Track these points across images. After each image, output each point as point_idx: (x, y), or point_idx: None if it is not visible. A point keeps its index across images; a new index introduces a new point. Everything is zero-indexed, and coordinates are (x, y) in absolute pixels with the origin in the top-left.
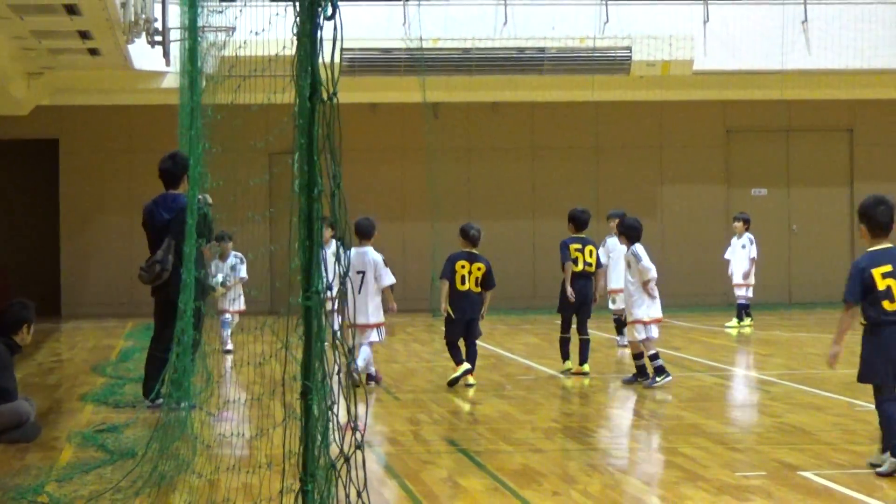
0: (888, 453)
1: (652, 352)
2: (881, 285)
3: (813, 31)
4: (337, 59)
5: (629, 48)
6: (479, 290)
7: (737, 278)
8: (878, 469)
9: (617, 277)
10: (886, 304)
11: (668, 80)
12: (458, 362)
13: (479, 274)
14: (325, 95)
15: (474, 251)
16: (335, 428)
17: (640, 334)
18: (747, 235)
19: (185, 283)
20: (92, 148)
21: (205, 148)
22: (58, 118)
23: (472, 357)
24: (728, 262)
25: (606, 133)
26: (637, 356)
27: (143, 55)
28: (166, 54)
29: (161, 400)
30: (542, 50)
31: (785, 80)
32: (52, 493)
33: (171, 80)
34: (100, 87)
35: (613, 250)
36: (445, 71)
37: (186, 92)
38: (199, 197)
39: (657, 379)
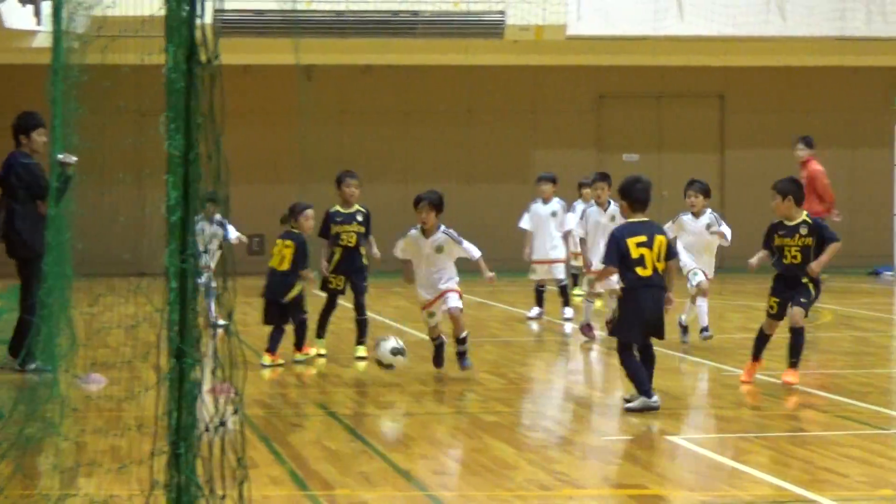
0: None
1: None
2: (635, 253)
3: None
4: (210, 20)
5: (503, 12)
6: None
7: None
8: (628, 405)
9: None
10: (640, 271)
11: (541, 45)
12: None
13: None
14: (203, 58)
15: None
16: (210, 391)
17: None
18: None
19: (50, 246)
20: None
21: (72, 109)
22: None
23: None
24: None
25: (479, 97)
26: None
27: (15, 13)
28: (37, 13)
29: (34, 365)
30: (415, 13)
31: (657, 46)
32: None
33: (43, 40)
34: None
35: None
36: (319, 33)
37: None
38: (60, 156)
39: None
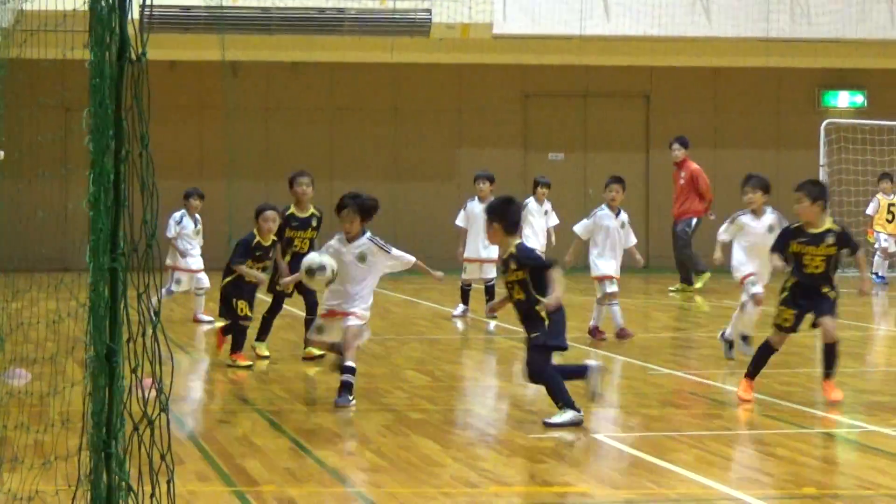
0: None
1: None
2: None
3: None
4: (137, 15)
5: (429, 10)
6: None
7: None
8: (554, 420)
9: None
10: None
11: (467, 44)
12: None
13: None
14: (133, 55)
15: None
16: (137, 390)
17: None
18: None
19: None
20: None
21: None
22: None
23: None
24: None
25: (406, 95)
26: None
27: None
28: None
29: None
30: (341, 10)
31: (583, 45)
32: None
33: None
34: None
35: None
36: (245, 29)
37: None
38: None
39: None
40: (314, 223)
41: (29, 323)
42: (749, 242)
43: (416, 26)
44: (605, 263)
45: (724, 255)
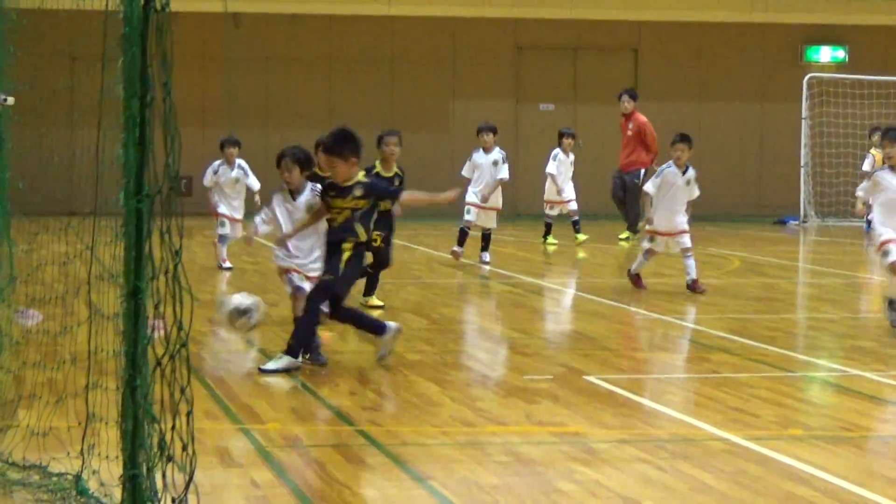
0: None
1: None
2: None
3: None
4: None
5: None
6: None
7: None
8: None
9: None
10: None
11: None
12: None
13: None
14: (158, 5)
15: None
16: (158, 328)
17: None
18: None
19: None
20: None
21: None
22: None
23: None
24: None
25: (401, 48)
26: None
27: None
28: None
29: None
30: None
31: (573, 0)
32: None
33: None
34: None
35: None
36: None
37: None
38: None
39: None
40: (397, 182)
41: (42, 265)
42: (886, 200)
43: None
44: (659, 219)
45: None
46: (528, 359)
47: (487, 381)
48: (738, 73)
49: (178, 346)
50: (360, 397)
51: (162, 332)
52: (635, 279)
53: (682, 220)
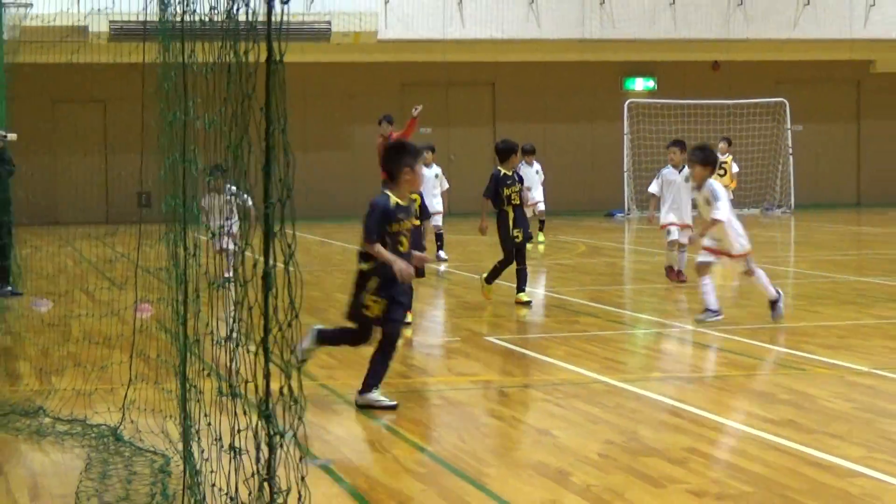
0: None
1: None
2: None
3: (467, 9)
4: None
5: (329, 22)
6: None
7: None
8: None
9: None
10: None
11: (358, 47)
12: None
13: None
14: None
15: None
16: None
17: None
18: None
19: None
20: None
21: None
22: None
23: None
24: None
25: (312, 87)
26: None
27: None
28: None
29: (9, 288)
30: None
31: (446, 47)
32: None
33: None
34: None
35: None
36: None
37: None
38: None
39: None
40: (517, 178)
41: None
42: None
43: (320, 34)
44: (667, 214)
45: None
46: (441, 325)
47: (414, 343)
48: (573, 100)
49: (292, 317)
50: (317, 358)
51: (147, 314)
52: (670, 272)
53: (688, 215)
